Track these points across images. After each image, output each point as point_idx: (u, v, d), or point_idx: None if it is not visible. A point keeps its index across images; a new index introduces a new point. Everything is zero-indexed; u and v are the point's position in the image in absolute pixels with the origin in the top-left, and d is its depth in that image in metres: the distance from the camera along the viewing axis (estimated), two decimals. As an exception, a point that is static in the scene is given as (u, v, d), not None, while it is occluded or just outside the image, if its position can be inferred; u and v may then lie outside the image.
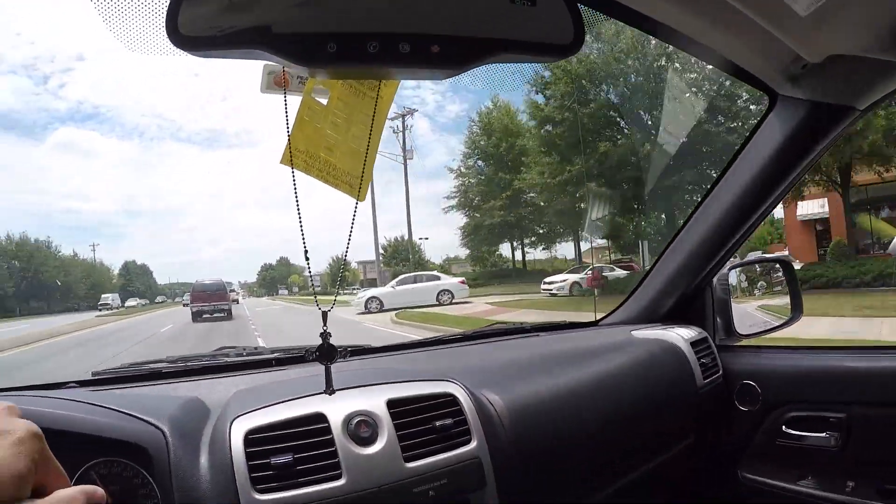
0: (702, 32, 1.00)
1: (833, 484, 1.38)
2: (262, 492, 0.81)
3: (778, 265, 1.81)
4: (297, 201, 0.83)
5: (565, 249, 31.35)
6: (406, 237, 32.53)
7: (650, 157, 16.77)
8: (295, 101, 0.87)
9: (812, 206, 17.15)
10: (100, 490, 0.44)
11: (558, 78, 17.92)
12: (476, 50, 0.60)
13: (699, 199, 1.60)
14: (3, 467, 0.39)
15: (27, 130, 55.69)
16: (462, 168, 30.93)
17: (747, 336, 1.69)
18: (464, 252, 34.27)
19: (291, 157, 0.83)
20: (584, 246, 28.11)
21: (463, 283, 18.81)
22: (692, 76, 12.68)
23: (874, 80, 1.13)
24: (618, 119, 18.36)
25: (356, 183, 0.90)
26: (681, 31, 0.99)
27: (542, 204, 27.10)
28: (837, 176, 14.79)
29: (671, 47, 1.24)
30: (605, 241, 25.65)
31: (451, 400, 1.01)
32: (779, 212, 18.37)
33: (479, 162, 29.84)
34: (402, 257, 32.01)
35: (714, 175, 1.57)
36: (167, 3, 0.54)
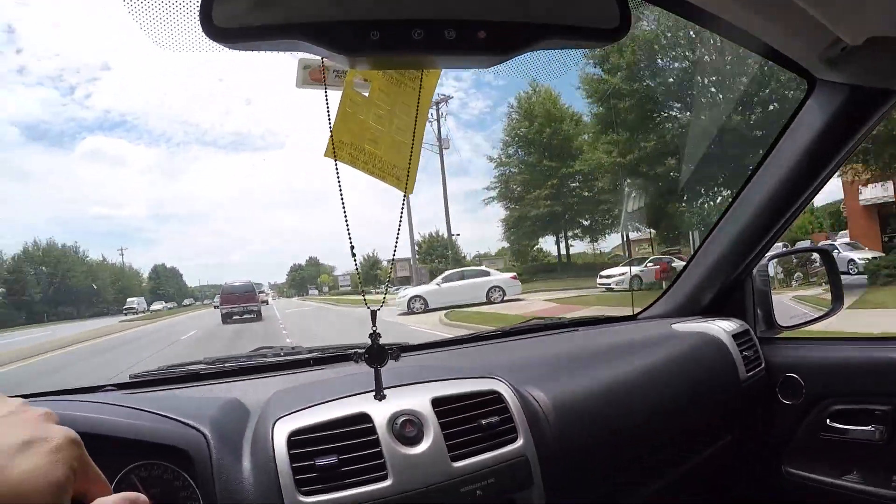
0: (739, 16, 0.98)
1: (878, 478, 1.36)
2: (306, 494, 0.80)
3: (817, 255, 1.82)
4: (341, 195, 0.82)
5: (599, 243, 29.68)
6: (440, 233, 31.11)
7: (719, 136, 15.16)
8: (332, 95, 0.83)
9: (875, 191, 16.43)
10: (142, 497, 0.44)
11: (625, 46, 16.02)
12: (523, 35, 0.59)
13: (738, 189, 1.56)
14: (40, 476, 0.38)
15: (56, 140, 56.45)
16: (502, 157, 28.55)
17: (788, 328, 1.67)
18: (495, 248, 32.74)
19: (335, 151, 0.82)
20: (616, 239, 27.09)
21: (514, 278, 16.77)
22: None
23: None
24: (689, 92, 16.43)
25: (402, 175, 0.88)
26: (719, 16, 0.98)
27: (585, 194, 26.12)
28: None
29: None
30: (639, 233, 24.90)
31: (496, 397, 1.00)
32: (819, 199, 17.64)
33: (520, 151, 27.84)
34: (437, 254, 30.36)
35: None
36: None
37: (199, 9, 0.53)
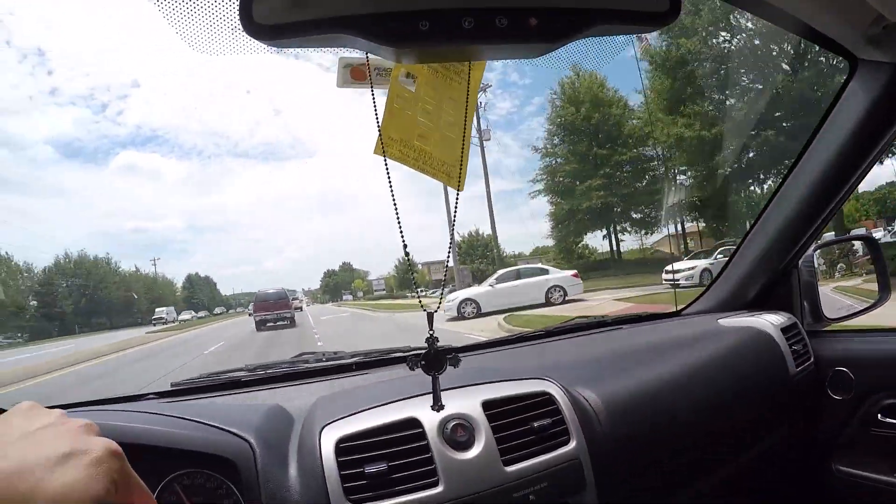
0: None
1: None
2: (355, 502, 0.79)
3: (862, 243, 1.82)
4: (392, 193, 0.80)
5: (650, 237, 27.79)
6: (480, 231, 29.98)
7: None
8: (371, 93, 0.81)
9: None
10: None
11: (697, 8, 14.15)
12: (574, 21, 0.58)
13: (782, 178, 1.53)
14: (80, 490, 0.37)
15: (90, 157, 59.11)
16: (548, 147, 26.75)
17: (834, 320, 1.63)
18: (528, 248, 31.42)
19: (384, 148, 0.81)
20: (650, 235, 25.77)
21: (576, 276, 14.78)
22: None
23: None
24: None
25: (453, 172, 0.87)
26: None
27: (638, 184, 24.80)
28: None
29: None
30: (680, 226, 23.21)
31: (547, 399, 0.98)
32: (864, 185, 15.06)
33: (565, 139, 25.87)
34: (478, 253, 28.61)
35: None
36: None
37: (237, 8, 0.51)
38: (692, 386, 1.22)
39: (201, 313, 36.55)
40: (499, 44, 0.57)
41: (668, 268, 16.51)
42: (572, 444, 0.93)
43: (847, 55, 1.17)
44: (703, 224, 22.68)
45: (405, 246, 0.82)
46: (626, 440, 1.03)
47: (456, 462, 0.84)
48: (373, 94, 0.77)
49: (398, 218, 0.80)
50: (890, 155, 12.04)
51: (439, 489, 0.81)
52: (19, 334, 26.15)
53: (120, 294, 32.80)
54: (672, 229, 25.22)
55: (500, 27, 0.54)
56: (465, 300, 13.29)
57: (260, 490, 0.78)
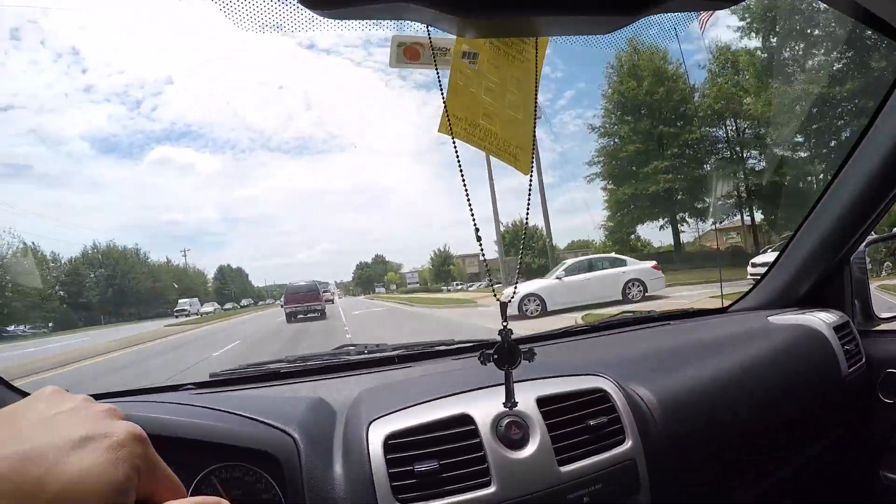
0: None
1: None
2: (404, 502, 0.76)
3: None
4: (461, 172, 0.77)
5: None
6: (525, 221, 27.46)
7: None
8: (428, 73, 0.81)
9: None
10: (223, 502, 0.39)
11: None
12: None
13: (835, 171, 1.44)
14: (96, 475, 0.33)
15: (126, 152, 59.13)
16: (606, 125, 24.29)
17: (886, 320, 1.56)
18: (562, 241, 29.57)
19: (451, 126, 0.77)
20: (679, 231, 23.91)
21: (657, 268, 12.37)
22: None
23: None
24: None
25: (520, 154, 0.83)
26: None
27: (703, 170, 23.29)
28: None
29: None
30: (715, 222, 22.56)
31: (602, 396, 0.95)
32: None
33: (617, 119, 23.48)
34: (528, 245, 26.55)
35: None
36: None
37: None
38: (744, 384, 1.17)
39: (227, 305, 35.74)
40: (569, 15, 0.54)
41: (755, 260, 14.08)
42: (628, 444, 0.90)
43: None
44: (767, 216, 20.37)
45: (477, 230, 0.77)
46: (680, 440, 0.99)
47: (509, 461, 0.81)
48: (437, 72, 0.75)
49: (468, 195, 0.76)
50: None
51: (492, 489, 0.78)
52: (42, 324, 25.36)
53: (148, 284, 32.56)
54: (723, 222, 23.64)
55: None
56: (529, 295, 10.78)
57: (303, 486, 0.76)
